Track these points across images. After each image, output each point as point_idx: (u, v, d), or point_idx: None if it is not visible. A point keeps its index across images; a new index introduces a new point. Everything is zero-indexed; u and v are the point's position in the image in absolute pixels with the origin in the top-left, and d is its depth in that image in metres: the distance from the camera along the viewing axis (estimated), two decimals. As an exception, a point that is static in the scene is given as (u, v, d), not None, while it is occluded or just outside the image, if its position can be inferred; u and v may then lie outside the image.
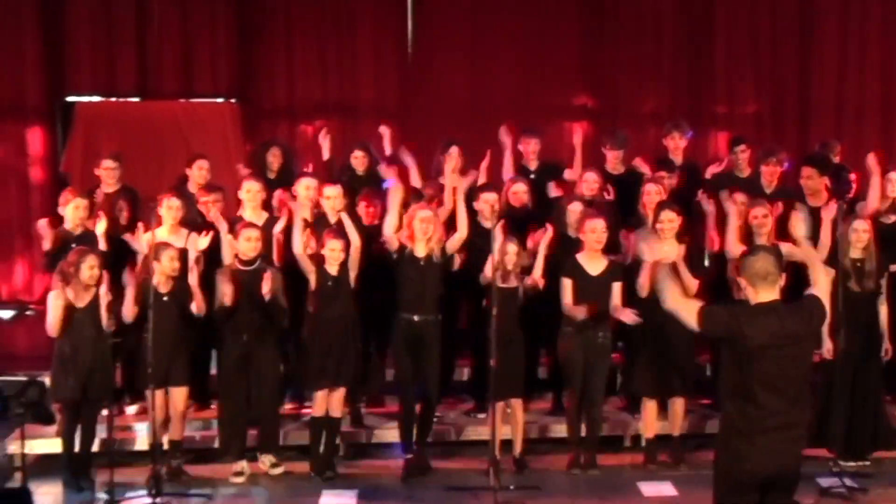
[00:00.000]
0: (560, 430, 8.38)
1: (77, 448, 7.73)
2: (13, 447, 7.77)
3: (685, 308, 5.21)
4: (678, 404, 8.10)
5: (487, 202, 8.27)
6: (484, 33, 11.79)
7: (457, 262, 8.00)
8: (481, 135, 9.83)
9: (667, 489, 7.66)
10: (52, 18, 11.55)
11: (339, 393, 7.88)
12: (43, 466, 7.86)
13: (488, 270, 7.73)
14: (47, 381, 7.67)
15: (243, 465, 7.85)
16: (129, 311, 7.66)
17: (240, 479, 7.81)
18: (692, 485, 7.56)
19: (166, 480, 7.57)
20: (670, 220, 7.94)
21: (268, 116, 11.81)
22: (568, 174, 9.38)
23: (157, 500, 7.20)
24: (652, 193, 8.46)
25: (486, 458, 7.60)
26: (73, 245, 8.03)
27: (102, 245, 8.18)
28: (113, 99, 11.79)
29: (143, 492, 7.34)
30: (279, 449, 8.08)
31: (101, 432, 7.82)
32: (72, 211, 8.33)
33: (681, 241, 7.97)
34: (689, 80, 11.98)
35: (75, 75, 11.65)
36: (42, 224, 8.48)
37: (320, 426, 7.90)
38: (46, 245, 8.33)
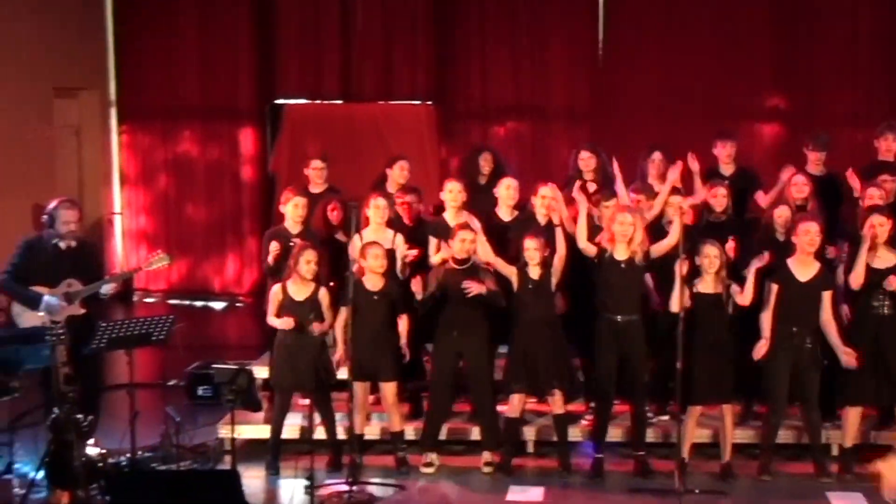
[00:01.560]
0: (741, 436, 8.25)
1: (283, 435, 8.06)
2: (223, 432, 8.20)
3: None
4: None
5: (671, 205, 8.17)
6: (675, 35, 11.74)
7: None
8: (673, 139, 9.77)
9: (858, 501, 7.48)
10: (264, 27, 12.15)
11: (558, 396, 7.92)
12: (250, 450, 8.23)
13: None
14: (256, 369, 8.11)
15: (433, 456, 8.07)
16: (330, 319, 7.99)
17: (430, 470, 8.01)
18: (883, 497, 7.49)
19: (396, 469, 7.93)
20: (881, 225, 7.71)
21: (462, 118, 12.12)
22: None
23: (354, 487, 7.53)
24: (875, 198, 8.08)
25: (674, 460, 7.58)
26: (292, 242, 8.22)
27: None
28: (318, 101, 12.32)
29: (342, 479, 7.67)
30: (498, 446, 8.11)
31: (304, 420, 8.27)
32: (291, 209, 8.45)
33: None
34: (887, 79, 11.63)
35: (284, 79, 12.24)
36: (274, 245, 8.33)
37: (514, 427, 8.03)
38: (270, 260, 8.32)
